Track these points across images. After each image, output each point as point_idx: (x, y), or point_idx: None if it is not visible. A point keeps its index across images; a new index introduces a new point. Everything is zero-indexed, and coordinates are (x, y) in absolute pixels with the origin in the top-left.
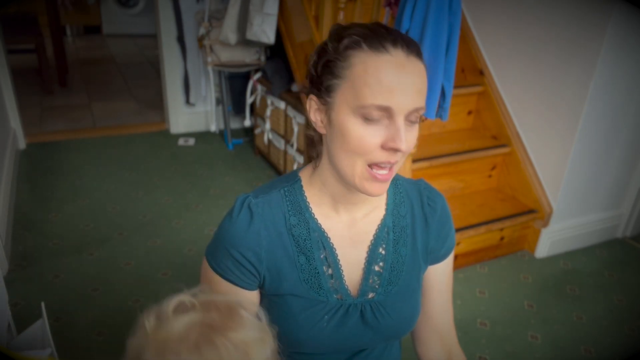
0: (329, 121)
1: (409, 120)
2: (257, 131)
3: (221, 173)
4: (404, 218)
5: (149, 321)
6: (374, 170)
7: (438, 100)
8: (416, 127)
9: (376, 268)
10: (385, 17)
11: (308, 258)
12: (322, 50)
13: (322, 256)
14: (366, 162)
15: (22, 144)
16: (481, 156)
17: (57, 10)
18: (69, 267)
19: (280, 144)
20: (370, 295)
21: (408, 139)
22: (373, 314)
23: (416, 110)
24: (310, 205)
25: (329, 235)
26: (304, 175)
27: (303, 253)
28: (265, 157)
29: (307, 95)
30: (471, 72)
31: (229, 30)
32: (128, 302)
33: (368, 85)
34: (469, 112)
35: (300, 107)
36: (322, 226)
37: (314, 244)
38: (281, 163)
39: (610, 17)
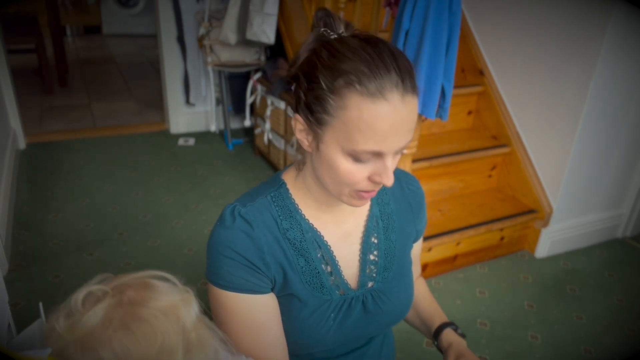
0: (317, 148)
1: (395, 153)
2: (257, 131)
3: (221, 173)
4: (388, 205)
5: (58, 323)
6: (361, 192)
7: (438, 100)
8: (400, 153)
9: (371, 257)
10: (385, 17)
11: (307, 259)
12: (313, 75)
13: (319, 255)
14: (353, 189)
15: (22, 144)
16: (481, 156)
17: (57, 10)
18: (69, 267)
19: (280, 144)
20: (370, 284)
21: (393, 169)
22: (374, 302)
23: (405, 144)
24: (300, 207)
25: (322, 233)
26: (288, 178)
27: (301, 255)
28: (265, 157)
29: (292, 108)
30: (471, 72)
31: (229, 30)
32: None
33: (361, 133)
34: (469, 112)
35: None
36: (314, 225)
37: (309, 245)
38: (281, 163)
39: (610, 17)
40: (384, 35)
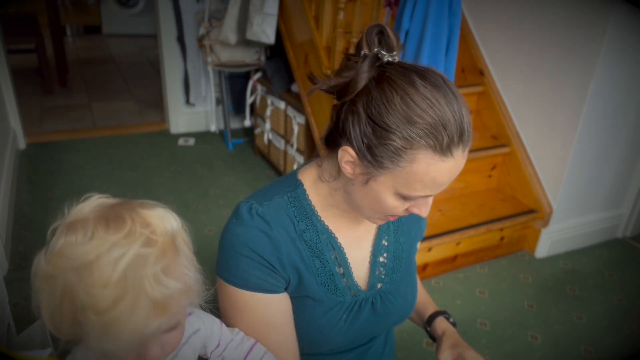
0: (365, 182)
1: None
2: (257, 131)
3: (221, 173)
4: None
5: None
6: (390, 217)
7: None
8: None
9: (381, 259)
10: (385, 17)
11: (322, 261)
12: (381, 119)
13: (333, 257)
14: (386, 215)
15: (22, 144)
16: (481, 156)
17: (57, 10)
18: None
19: (280, 144)
20: (379, 285)
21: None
22: (383, 303)
23: None
24: (316, 209)
25: (336, 235)
26: (306, 179)
27: (317, 257)
28: (265, 157)
29: (335, 131)
30: (471, 72)
31: (229, 30)
32: None
33: (422, 183)
34: (469, 112)
35: (300, 107)
36: (329, 227)
37: (324, 246)
38: (281, 163)
39: (610, 17)
40: None
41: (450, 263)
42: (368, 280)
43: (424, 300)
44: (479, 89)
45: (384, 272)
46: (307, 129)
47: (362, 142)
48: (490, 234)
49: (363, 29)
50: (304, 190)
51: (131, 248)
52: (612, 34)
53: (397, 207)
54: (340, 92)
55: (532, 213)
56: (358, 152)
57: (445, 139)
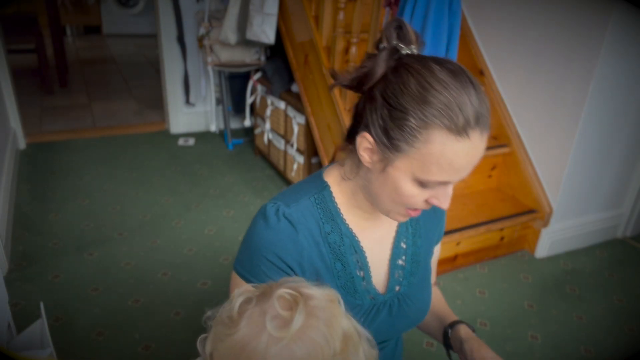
0: (382, 169)
1: None
2: (257, 131)
3: (221, 173)
4: None
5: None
6: (410, 211)
7: None
8: None
9: (399, 262)
10: (385, 17)
11: (343, 264)
12: (397, 101)
13: (354, 260)
14: (405, 208)
15: (22, 144)
16: None
17: (57, 10)
18: (69, 267)
19: (280, 144)
20: (397, 288)
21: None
22: (400, 306)
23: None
24: (341, 211)
25: (359, 238)
26: (331, 180)
27: (339, 259)
28: (265, 157)
29: (356, 121)
30: (471, 72)
31: (229, 30)
32: (128, 302)
33: (439, 166)
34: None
35: (300, 107)
36: (353, 230)
37: (347, 249)
38: (281, 163)
39: (610, 17)
40: None
41: (450, 263)
42: (387, 283)
43: (445, 308)
44: None
45: (402, 275)
46: (307, 129)
47: (379, 125)
48: (490, 234)
49: (363, 29)
50: (330, 192)
51: None
52: (612, 34)
53: (416, 195)
54: (360, 83)
55: (532, 213)
56: (375, 136)
57: (461, 120)
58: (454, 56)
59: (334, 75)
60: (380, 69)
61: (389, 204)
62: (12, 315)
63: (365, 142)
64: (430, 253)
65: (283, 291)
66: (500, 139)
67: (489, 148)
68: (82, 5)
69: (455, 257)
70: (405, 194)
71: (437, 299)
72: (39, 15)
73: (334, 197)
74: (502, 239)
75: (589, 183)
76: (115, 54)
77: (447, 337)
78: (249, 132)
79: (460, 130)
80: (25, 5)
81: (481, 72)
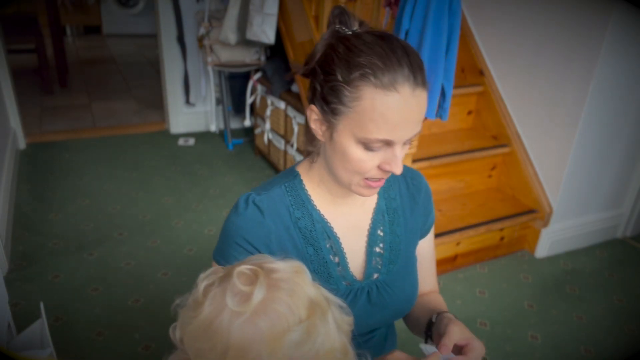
0: (330, 137)
1: (404, 143)
2: (257, 131)
3: (221, 173)
4: (394, 200)
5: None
6: (370, 181)
7: (438, 100)
8: (408, 144)
9: (377, 249)
10: (385, 17)
11: (315, 249)
12: (330, 68)
13: (327, 245)
14: (363, 178)
15: (22, 144)
16: (481, 156)
17: (57, 10)
18: (69, 267)
19: (280, 144)
20: (375, 276)
21: (402, 159)
22: (379, 293)
23: (414, 135)
24: (312, 198)
25: (332, 224)
26: (302, 170)
27: (310, 244)
28: (265, 157)
29: (308, 99)
30: (471, 72)
31: (229, 30)
32: (128, 302)
33: (374, 122)
34: (469, 112)
35: (300, 107)
36: (325, 217)
37: (319, 235)
38: (281, 163)
39: (610, 17)
40: None
41: (450, 263)
42: (364, 270)
43: (441, 304)
44: (478, 88)
45: (380, 262)
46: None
47: (319, 94)
48: (490, 234)
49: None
50: (301, 180)
51: None
52: (612, 34)
53: (366, 160)
54: (309, 67)
55: (532, 213)
56: (318, 106)
57: (387, 75)
58: (454, 56)
59: (293, 66)
60: (321, 47)
61: (345, 174)
62: (12, 315)
63: (313, 114)
64: (412, 244)
65: (243, 267)
66: (500, 139)
67: (489, 148)
68: (82, 5)
69: (455, 257)
70: (354, 158)
71: (438, 301)
72: (39, 15)
73: (304, 185)
74: (502, 239)
75: (589, 183)
76: (115, 54)
77: (430, 325)
78: (249, 132)
79: (386, 85)
80: (25, 5)
81: (481, 72)
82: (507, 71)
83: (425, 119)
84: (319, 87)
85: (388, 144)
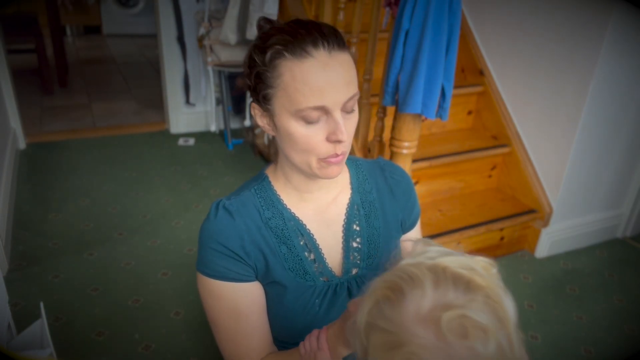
0: (275, 125)
1: (345, 110)
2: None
3: (221, 173)
4: (370, 193)
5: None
6: (327, 159)
7: (438, 100)
8: (354, 114)
9: (354, 244)
10: (385, 17)
11: (289, 247)
12: (252, 61)
13: (301, 243)
14: (317, 157)
15: (22, 144)
16: (481, 156)
17: (57, 10)
18: (69, 267)
19: None
20: (354, 271)
21: (348, 128)
22: (360, 289)
23: (350, 99)
24: (281, 197)
25: (304, 222)
26: (270, 172)
27: (283, 243)
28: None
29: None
30: (471, 72)
31: (229, 31)
32: (128, 302)
33: (299, 91)
34: (469, 112)
35: None
36: (296, 214)
37: (291, 233)
38: None
39: (610, 17)
40: (384, 35)
41: None
42: (342, 265)
43: None
44: (479, 89)
45: (359, 257)
46: None
47: (252, 89)
48: (490, 234)
49: (363, 29)
50: (269, 182)
51: None
52: (612, 34)
53: (311, 135)
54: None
55: (532, 213)
56: (255, 100)
57: (297, 45)
58: (454, 56)
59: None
60: (249, 52)
61: (298, 157)
62: (12, 315)
63: (255, 111)
64: (393, 237)
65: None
66: (500, 139)
67: (489, 148)
68: (82, 5)
69: None
70: (299, 136)
71: None
72: (39, 15)
73: (272, 186)
74: (502, 239)
75: (589, 183)
76: (115, 54)
77: None
78: (249, 132)
79: (299, 53)
80: (25, 5)
81: (481, 72)
82: (507, 71)
83: (425, 119)
84: (249, 82)
85: (324, 111)
